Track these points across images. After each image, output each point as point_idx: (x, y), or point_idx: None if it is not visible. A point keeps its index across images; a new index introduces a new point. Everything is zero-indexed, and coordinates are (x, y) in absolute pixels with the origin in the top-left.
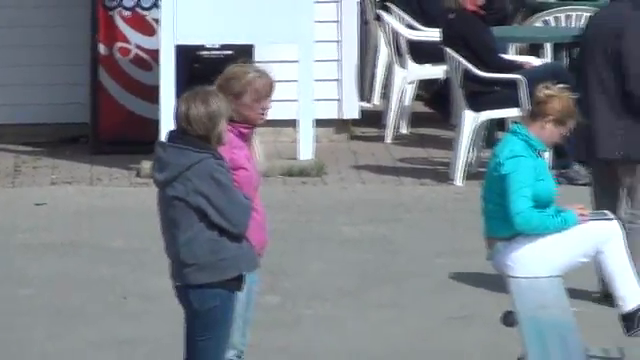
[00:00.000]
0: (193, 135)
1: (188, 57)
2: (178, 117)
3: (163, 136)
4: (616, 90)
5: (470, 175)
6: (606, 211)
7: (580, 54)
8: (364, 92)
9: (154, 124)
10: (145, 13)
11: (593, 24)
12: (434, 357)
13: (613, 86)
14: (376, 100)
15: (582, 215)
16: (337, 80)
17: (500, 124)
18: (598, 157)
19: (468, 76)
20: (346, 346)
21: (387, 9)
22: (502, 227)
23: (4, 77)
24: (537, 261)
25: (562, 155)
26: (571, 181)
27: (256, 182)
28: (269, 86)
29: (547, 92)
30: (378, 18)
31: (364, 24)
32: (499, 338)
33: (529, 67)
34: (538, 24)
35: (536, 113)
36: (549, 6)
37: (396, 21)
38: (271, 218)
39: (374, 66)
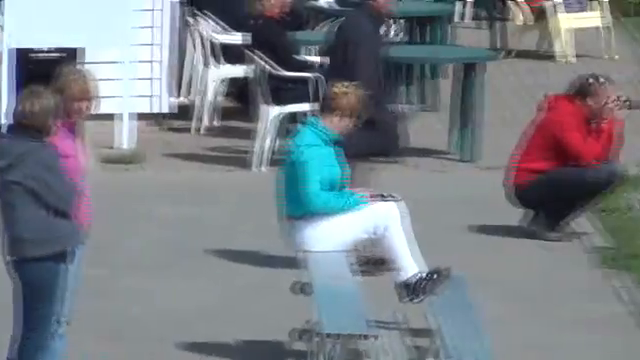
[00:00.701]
0: (30, 128)
1: (23, 59)
2: (17, 113)
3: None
4: None
5: (271, 162)
6: (393, 193)
7: (330, 60)
8: (180, 89)
9: None
10: None
11: (336, 33)
12: (237, 317)
13: None
14: (190, 96)
15: (370, 197)
16: (155, 79)
17: (295, 117)
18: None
19: (270, 75)
20: (158, 309)
21: (200, 15)
22: (296, 207)
23: None
24: (327, 237)
25: None
26: None
27: (81, 168)
28: (83, 90)
29: (338, 89)
30: (191, 24)
31: (181, 29)
32: (294, 304)
33: (323, 67)
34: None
35: (329, 107)
36: (342, 13)
37: (208, 26)
38: (96, 200)
39: (188, 66)
